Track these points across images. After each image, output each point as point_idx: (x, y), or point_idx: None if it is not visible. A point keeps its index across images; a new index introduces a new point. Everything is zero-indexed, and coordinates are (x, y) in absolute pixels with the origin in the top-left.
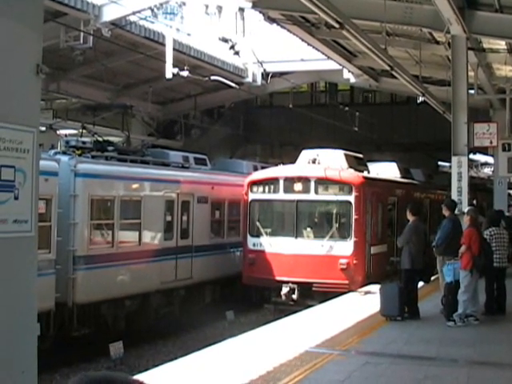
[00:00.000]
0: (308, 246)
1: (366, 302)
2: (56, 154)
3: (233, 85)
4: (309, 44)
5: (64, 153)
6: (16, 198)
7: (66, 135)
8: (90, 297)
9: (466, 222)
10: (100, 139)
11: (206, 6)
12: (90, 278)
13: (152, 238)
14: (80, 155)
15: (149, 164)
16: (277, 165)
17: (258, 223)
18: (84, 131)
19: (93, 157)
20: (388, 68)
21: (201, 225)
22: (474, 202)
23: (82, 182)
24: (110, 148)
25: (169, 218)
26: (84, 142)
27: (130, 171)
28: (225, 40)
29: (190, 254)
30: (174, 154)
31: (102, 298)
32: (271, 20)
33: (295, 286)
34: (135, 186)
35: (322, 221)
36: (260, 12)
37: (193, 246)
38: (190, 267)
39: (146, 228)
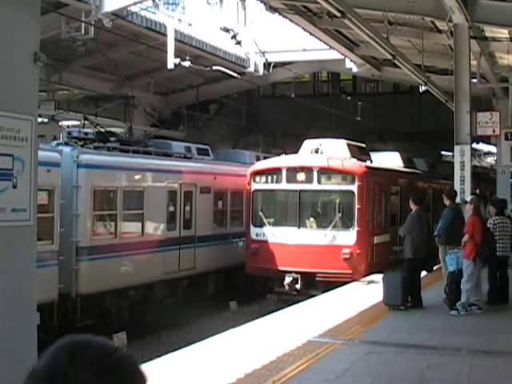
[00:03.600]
0: (311, 235)
1: (369, 292)
2: (58, 144)
3: (235, 75)
4: (311, 34)
5: (66, 144)
6: (14, 187)
7: (68, 126)
8: (93, 287)
9: (468, 210)
10: (102, 130)
11: None
12: (94, 269)
13: (155, 228)
14: (82, 146)
15: (151, 154)
16: (279, 155)
17: (260, 213)
18: (86, 122)
19: (95, 148)
20: (390, 57)
21: (204, 215)
22: (477, 191)
23: (85, 173)
24: (113, 139)
25: (172, 209)
26: (86, 133)
27: (132, 162)
28: (226, 30)
29: (193, 245)
30: (177, 145)
31: (105, 289)
32: (273, 9)
33: (298, 275)
34: (138, 176)
35: (325, 211)
36: (261, 1)
37: (196, 236)
38: (193, 257)
39: (148, 218)
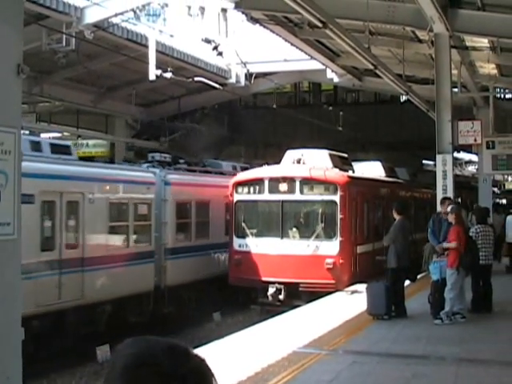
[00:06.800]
0: (294, 246)
1: (352, 302)
2: (148, 167)
3: (216, 86)
4: (292, 44)
5: (153, 166)
6: None
7: (49, 138)
8: (175, 281)
9: (451, 220)
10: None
11: (189, 7)
12: (175, 266)
13: (217, 233)
14: (163, 167)
15: (211, 173)
16: (261, 165)
17: (243, 224)
18: (67, 134)
19: (175, 169)
20: (371, 67)
21: None
22: (459, 199)
23: (170, 189)
24: (182, 161)
25: (228, 217)
26: (165, 157)
27: (200, 179)
28: (208, 41)
29: None
30: (226, 164)
31: (183, 282)
32: (254, 20)
33: (282, 286)
34: (205, 191)
35: (308, 221)
36: (243, 12)
37: None
38: None
39: (213, 225)
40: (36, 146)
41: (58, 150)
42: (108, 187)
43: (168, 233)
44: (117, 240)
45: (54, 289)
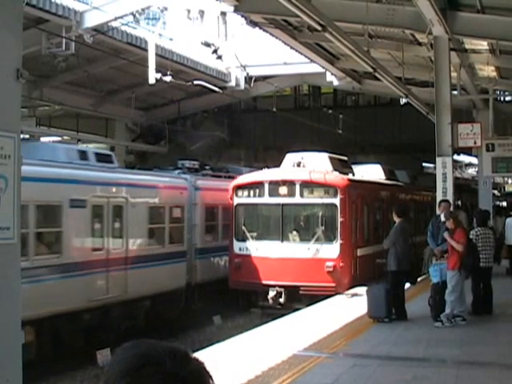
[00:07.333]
0: (294, 249)
1: (353, 305)
2: (179, 173)
3: (216, 89)
4: (291, 47)
5: (183, 172)
6: None
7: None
8: (203, 278)
9: (450, 226)
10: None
11: (188, 11)
12: (204, 265)
13: None
14: (192, 174)
15: (234, 178)
16: (261, 168)
17: (243, 227)
18: (67, 138)
19: (202, 175)
20: (371, 70)
21: None
22: (459, 202)
23: (199, 194)
24: (207, 167)
25: None
26: (194, 164)
27: (225, 184)
28: (207, 44)
29: None
30: (245, 170)
31: (210, 280)
32: (253, 24)
33: (282, 289)
34: (228, 195)
35: (308, 224)
36: (242, 16)
37: None
38: None
39: None
40: (83, 155)
41: (102, 158)
42: (147, 192)
43: (198, 234)
44: (155, 241)
45: (102, 285)
